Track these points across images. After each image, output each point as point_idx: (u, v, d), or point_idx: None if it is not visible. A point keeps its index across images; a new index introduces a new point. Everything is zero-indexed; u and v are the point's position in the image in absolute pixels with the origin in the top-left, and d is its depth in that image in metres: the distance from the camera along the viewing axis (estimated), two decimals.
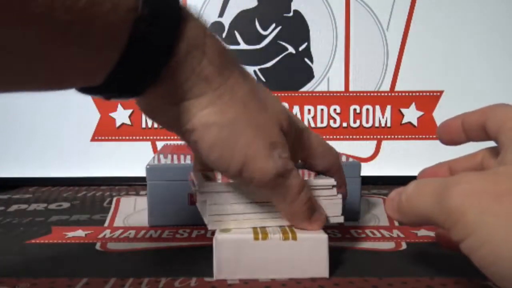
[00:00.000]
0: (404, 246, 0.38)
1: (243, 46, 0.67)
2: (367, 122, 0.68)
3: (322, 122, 0.68)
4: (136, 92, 0.25)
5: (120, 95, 0.25)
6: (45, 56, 0.20)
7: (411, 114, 0.68)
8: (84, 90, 0.24)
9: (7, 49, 0.19)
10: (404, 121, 0.68)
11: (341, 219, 0.34)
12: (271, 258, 0.30)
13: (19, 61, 0.20)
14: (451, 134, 0.29)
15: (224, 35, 0.67)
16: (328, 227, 0.42)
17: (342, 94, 0.68)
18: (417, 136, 0.68)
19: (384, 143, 0.68)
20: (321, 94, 0.68)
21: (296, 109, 0.68)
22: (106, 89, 0.24)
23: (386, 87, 0.68)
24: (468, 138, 0.29)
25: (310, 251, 0.30)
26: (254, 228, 0.31)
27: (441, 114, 0.67)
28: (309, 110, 0.68)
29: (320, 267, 0.30)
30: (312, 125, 0.68)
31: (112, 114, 0.67)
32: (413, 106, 0.68)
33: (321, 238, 0.30)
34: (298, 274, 0.30)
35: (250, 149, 0.27)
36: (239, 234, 0.30)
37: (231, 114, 0.26)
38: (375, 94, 0.68)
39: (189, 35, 0.25)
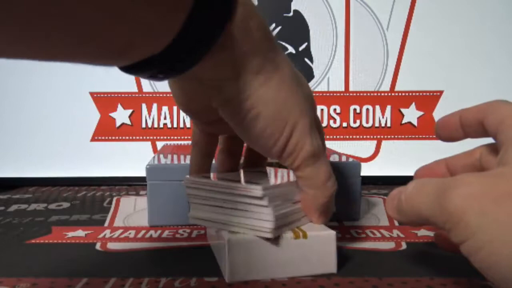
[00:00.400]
0: (404, 246, 0.37)
1: None
2: (367, 122, 0.68)
3: (322, 122, 0.68)
4: (196, 58, 0.24)
5: (174, 67, 0.24)
6: (117, 16, 0.19)
7: (411, 114, 0.68)
8: (131, 68, 0.23)
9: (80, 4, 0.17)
10: (404, 121, 0.68)
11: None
12: (283, 257, 0.30)
13: (91, 22, 0.18)
14: (449, 131, 0.29)
15: None
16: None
17: (342, 94, 0.68)
18: (417, 136, 0.68)
19: (384, 143, 0.68)
20: (321, 94, 0.68)
21: None
22: (163, 59, 0.23)
23: (386, 87, 0.68)
24: (466, 135, 0.29)
25: (320, 248, 0.31)
26: None
27: (441, 114, 0.66)
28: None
29: (329, 263, 0.31)
30: None
31: (112, 114, 0.67)
32: (413, 106, 0.68)
33: (330, 235, 0.31)
34: (308, 271, 0.31)
35: (297, 125, 0.28)
36: (251, 235, 0.30)
37: (284, 91, 0.28)
38: (375, 94, 0.68)
39: (243, 1, 0.25)
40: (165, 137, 0.68)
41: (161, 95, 0.67)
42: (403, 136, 0.68)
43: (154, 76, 0.24)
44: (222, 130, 0.33)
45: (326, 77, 0.68)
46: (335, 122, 0.68)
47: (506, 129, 0.24)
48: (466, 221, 0.21)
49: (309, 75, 0.68)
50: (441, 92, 0.68)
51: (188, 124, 0.68)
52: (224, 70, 0.26)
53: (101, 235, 0.41)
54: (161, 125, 0.68)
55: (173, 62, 0.24)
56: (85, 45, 0.19)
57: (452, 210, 0.21)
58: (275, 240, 0.30)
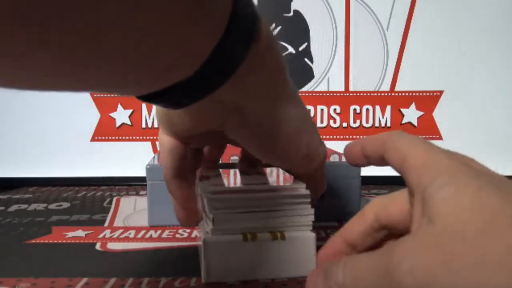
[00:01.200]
0: None
1: None
2: (367, 122, 0.68)
3: (322, 122, 0.68)
4: (224, 78, 0.23)
5: (200, 89, 0.22)
6: (166, 36, 0.17)
7: (411, 114, 0.68)
8: (152, 95, 0.21)
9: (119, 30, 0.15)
10: (404, 121, 0.68)
11: None
12: (261, 259, 0.30)
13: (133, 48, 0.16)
14: (354, 159, 0.27)
15: None
16: (327, 227, 0.42)
17: (342, 94, 0.68)
18: None
19: None
20: (321, 94, 0.68)
21: None
22: (191, 82, 0.21)
23: (386, 87, 0.68)
24: (371, 164, 0.26)
25: (299, 249, 0.30)
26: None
27: (441, 114, 0.67)
28: (309, 110, 0.68)
29: (308, 266, 0.30)
30: None
31: (112, 114, 0.67)
32: (413, 106, 0.68)
33: (309, 237, 0.31)
34: (287, 273, 0.30)
35: (314, 133, 0.30)
36: (228, 236, 0.30)
37: (301, 105, 0.29)
38: (375, 94, 0.68)
39: (265, 27, 0.24)
40: None
41: None
42: None
43: (178, 101, 0.23)
44: (206, 143, 0.33)
45: (326, 77, 0.68)
46: (335, 122, 0.68)
47: (411, 171, 0.21)
48: None
49: (309, 75, 0.68)
50: (441, 92, 0.68)
51: None
52: (250, 90, 0.25)
53: (101, 235, 0.41)
54: None
55: (202, 84, 0.22)
56: (127, 73, 0.18)
57: None
58: (252, 241, 0.30)
